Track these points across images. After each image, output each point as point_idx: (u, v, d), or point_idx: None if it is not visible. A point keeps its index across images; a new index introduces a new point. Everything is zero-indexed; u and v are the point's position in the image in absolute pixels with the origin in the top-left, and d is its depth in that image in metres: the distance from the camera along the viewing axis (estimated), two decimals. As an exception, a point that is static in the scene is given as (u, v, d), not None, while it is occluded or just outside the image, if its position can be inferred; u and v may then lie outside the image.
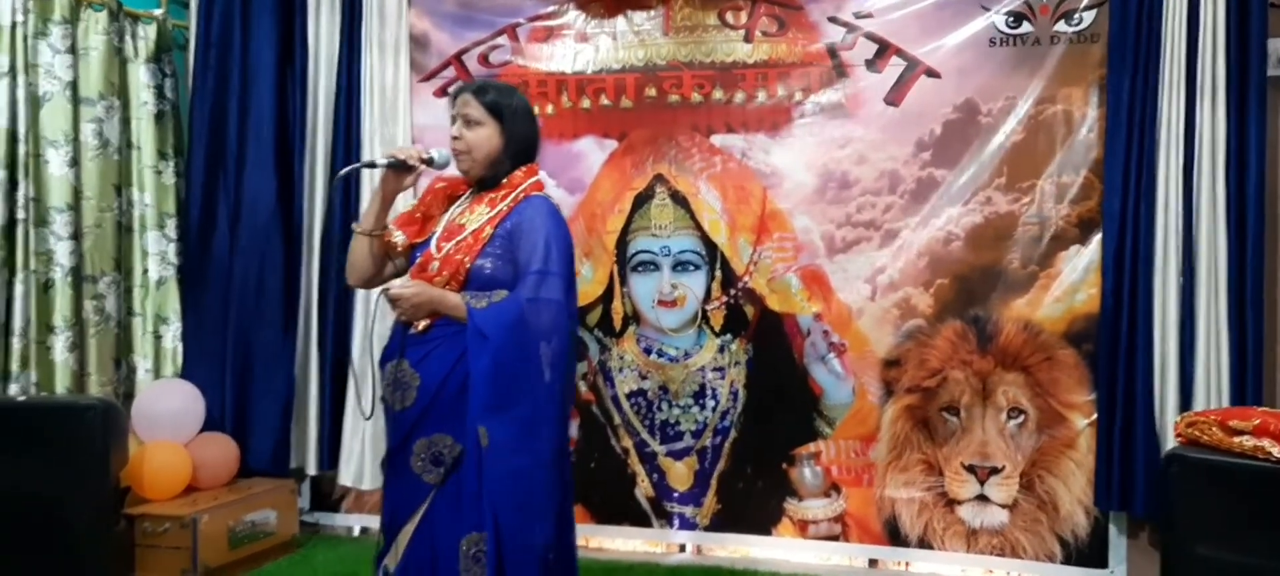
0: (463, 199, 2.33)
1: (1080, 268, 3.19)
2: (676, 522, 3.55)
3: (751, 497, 3.49)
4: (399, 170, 2.26)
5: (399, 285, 2.20)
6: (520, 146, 2.28)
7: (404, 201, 2.70)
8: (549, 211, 2.22)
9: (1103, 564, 3.19)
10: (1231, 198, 2.94)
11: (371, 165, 2.34)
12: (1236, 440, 2.53)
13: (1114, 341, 3.07)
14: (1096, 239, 3.14)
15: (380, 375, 2.28)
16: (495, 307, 2.14)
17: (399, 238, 2.34)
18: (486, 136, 2.24)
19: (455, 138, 2.25)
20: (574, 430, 3.58)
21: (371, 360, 2.44)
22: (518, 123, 2.27)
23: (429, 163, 2.28)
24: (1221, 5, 2.92)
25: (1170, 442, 2.85)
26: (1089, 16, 3.16)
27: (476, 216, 2.23)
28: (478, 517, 2.12)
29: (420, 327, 2.20)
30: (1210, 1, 2.93)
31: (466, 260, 2.18)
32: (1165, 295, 3.00)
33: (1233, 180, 2.94)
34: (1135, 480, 3.02)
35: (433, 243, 2.26)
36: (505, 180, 2.26)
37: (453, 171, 2.33)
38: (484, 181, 2.28)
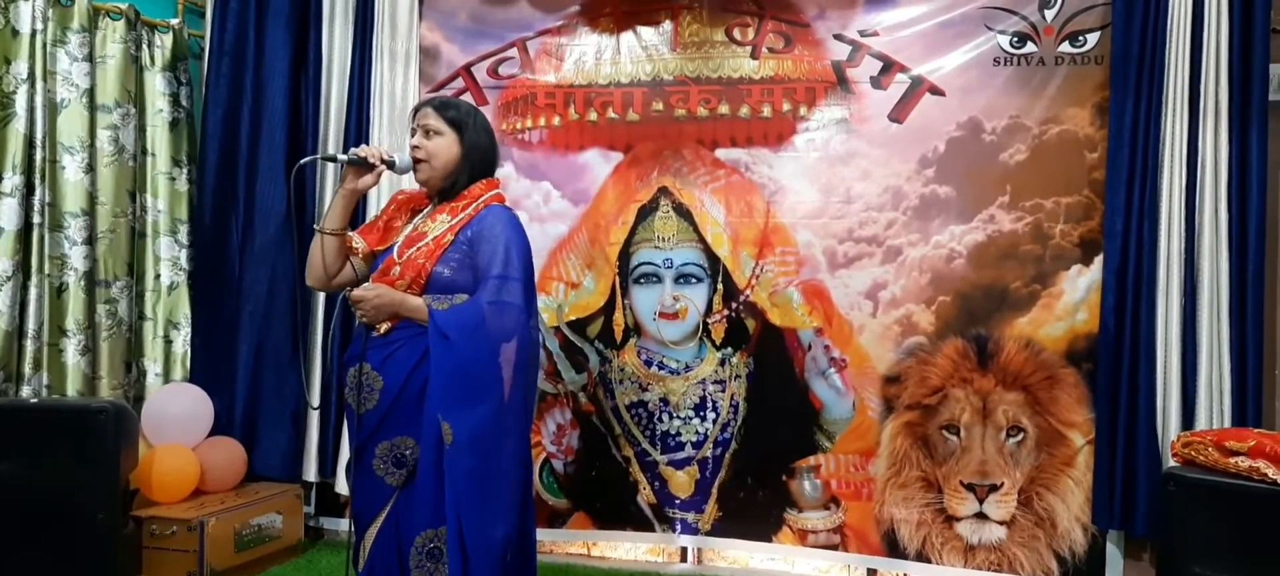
0: (425, 210, 2.40)
1: (1082, 287, 3.20)
2: (678, 527, 3.57)
3: (752, 507, 3.51)
4: (359, 167, 2.33)
5: (361, 288, 2.26)
6: (478, 159, 2.35)
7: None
8: (509, 220, 2.29)
9: (1100, 581, 3.21)
10: (1233, 220, 2.96)
11: (332, 159, 2.40)
12: (1232, 461, 2.55)
13: (1115, 360, 3.08)
14: (1098, 259, 3.15)
15: (344, 378, 2.33)
16: (457, 309, 2.20)
17: (359, 244, 2.41)
18: (445, 146, 2.32)
19: (415, 147, 2.33)
20: (575, 440, 3.62)
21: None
22: (477, 137, 2.35)
23: (390, 165, 2.35)
24: (1224, 30, 2.95)
25: (1170, 462, 2.87)
26: (1093, 38, 3.18)
27: (438, 224, 2.31)
28: (433, 514, 2.17)
29: (382, 331, 2.26)
30: (1213, 27, 2.95)
31: (427, 265, 2.24)
32: (1167, 315, 3.01)
33: (1234, 203, 2.96)
34: (1136, 499, 3.02)
35: (395, 249, 2.33)
36: (465, 191, 2.33)
37: (411, 182, 2.40)
38: (443, 193, 2.36)
